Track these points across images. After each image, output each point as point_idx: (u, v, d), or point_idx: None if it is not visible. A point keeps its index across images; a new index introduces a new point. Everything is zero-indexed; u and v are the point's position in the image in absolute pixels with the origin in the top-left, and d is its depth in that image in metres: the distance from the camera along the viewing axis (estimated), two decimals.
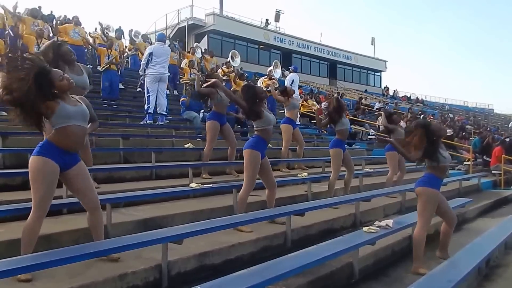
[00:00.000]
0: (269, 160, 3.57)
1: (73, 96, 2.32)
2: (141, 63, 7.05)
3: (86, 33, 9.38)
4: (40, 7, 10.27)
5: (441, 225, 3.42)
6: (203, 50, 12.70)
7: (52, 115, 2.16)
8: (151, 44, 9.74)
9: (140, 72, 7.18)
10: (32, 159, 2.16)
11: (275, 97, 6.26)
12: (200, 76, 5.49)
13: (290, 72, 9.38)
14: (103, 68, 7.71)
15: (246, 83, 3.70)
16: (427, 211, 3.03)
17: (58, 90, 2.19)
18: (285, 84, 8.25)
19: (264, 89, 9.32)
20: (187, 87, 7.98)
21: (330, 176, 4.75)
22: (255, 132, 3.49)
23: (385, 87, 29.33)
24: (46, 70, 2.15)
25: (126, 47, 12.11)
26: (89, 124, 2.46)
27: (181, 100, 7.70)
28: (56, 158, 2.17)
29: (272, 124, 3.50)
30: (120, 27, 14.42)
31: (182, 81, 9.77)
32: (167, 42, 7.81)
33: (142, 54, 8.16)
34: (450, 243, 3.41)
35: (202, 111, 7.60)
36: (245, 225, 3.17)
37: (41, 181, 2.13)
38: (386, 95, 26.30)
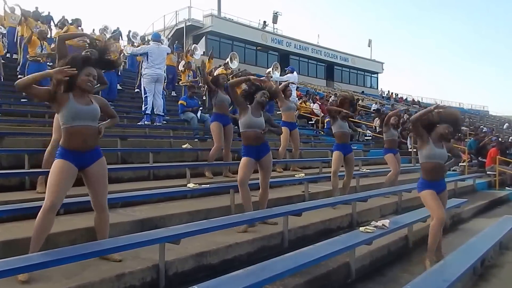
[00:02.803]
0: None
1: (89, 96, 2.38)
2: (136, 50, 7.10)
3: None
4: (37, 8, 10.26)
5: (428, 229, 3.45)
6: (201, 52, 12.68)
7: (59, 108, 2.27)
8: None
9: (128, 51, 7.27)
10: (53, 163, 2.34)
11: (280, 93, 6.25)
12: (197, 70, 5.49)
13: (287, 73, 9.39)
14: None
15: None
16: (428, 206, 3.20)
17: (78, 85, 2.28)
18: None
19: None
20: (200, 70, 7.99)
21: (327, 176, 4.77)
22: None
23: (388, 91, 29.64)
24: (88, 59, 2.35)
25: (124, 47, 12.08)
26: (108, 120, 2.55)
27: (179, 102, 7.71)
28: (70, 158, 2.28)
29: (256, 128, 3.46)
30: (118, 28, 14.41)
31: (181, 83, 9.75)
32: (165, 42, 7.79)
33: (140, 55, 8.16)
34: (446, 243, 3.45)
35: (200, 108, 7.61)
36: (242, 225, 3.18)
37: (54, 176, 2.26)
38: (390, 98, 26.56)
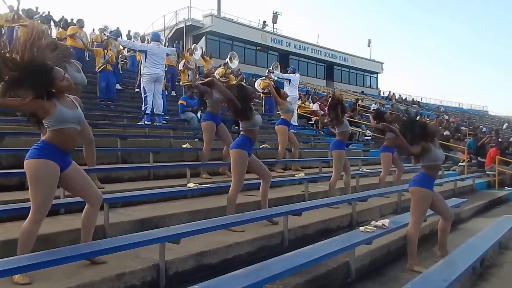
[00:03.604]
0: (263, 160, 3.63)
1: (68, 96, 2.27)
2: (136, 45, 7.12)
3: (88, 37, 9.38)
4: (37, 7, 10.26)
5: (436, 224, 3.46)
6: (201, 52, 12.68)
7: (47, 117, 2.11)
8: None
9: (123, 44, 7.33)
10: (31, 162, 2.09)
11: (274, 96, 6.28)
12: (196, 71, 5.54)
13: (289, 73, 9.41)
14: (99, 69, 7.70)
15: (239, 83, 3.81)
16: (418, 209, 3.10)
17: (57, 90, 2.14)
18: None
19: (261, 90, 9.39)
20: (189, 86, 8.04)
21: (327, 176, 4.78)
22: (241, 132, 3.52)
23: (390, 92, 29.65)
24: (47, 68, 2.05)
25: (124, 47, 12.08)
26: None
27: (179, 102, 7.72)
28: (56, 158, 2.12)
29: (259, 125, 3.52)
30: (118, 28, 14.41)
31: (182, 83, 9.75)
32: (165, 42, 7.81)
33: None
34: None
35: (201, 108, 7.61)
36: (241, 225, 3.18)
37: (42, 184, 2.08)
38: (392, 99, 26.59)
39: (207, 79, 3.88)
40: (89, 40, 9.96)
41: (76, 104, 2.27)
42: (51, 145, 2.13)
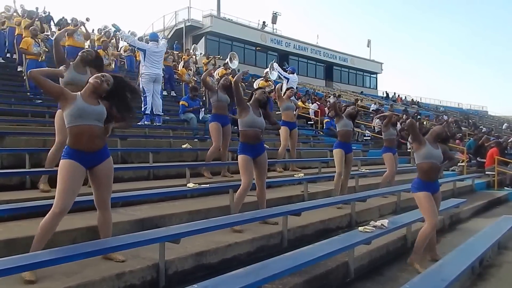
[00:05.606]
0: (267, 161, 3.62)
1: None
2: (136, 42, 7.09)
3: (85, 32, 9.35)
4: (37, 8, 10.26)
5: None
6: (201, 53, 12.69)
7: (66, 106, 2.26)
8: None
9: (126, 39, 7.29)
10: (60, 163, 2.34)
11: (276, 93, 6.30)
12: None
13: (288, 73, 9.42)
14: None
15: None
16: (423, 209, 3.19)
17: (87, 86, 2.33)
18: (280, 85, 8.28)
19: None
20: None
21: (326, 176, 4.78)
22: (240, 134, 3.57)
23: (394, 93, 29.64)
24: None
25: (121, 47, 12.10)
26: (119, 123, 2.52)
27: (180, 103, 7.73)
28: (76, 158, 2.28)
29: (256, 127, 3.49)
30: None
31: (191, 86, 9.72)
32: (165, 43, 7.78)
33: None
34: (445, 243, 3.47)
35: (202, 109, 7.63)
36: (242, 224, 3.19)
37: (60, 180, 2.26)
38: (397, 101, 26.59)
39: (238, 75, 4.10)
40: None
41: (100, 102, 2.37)
42: (68, 147, 2.32)
